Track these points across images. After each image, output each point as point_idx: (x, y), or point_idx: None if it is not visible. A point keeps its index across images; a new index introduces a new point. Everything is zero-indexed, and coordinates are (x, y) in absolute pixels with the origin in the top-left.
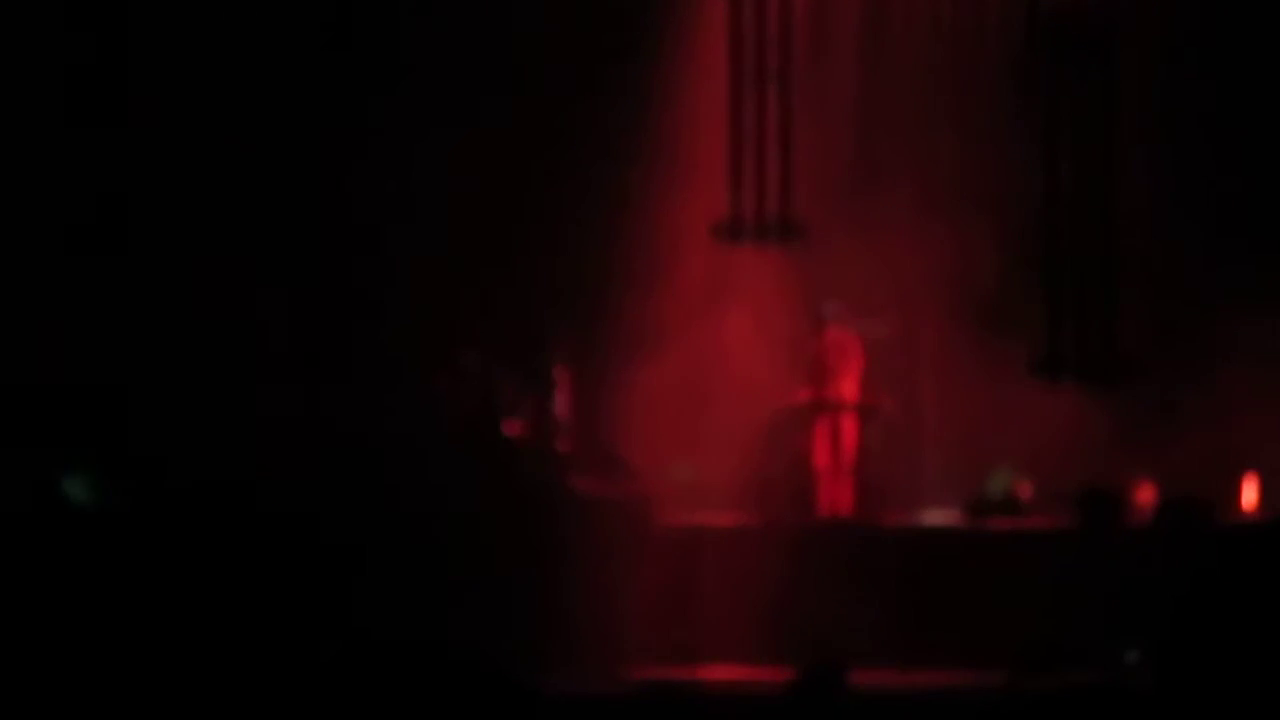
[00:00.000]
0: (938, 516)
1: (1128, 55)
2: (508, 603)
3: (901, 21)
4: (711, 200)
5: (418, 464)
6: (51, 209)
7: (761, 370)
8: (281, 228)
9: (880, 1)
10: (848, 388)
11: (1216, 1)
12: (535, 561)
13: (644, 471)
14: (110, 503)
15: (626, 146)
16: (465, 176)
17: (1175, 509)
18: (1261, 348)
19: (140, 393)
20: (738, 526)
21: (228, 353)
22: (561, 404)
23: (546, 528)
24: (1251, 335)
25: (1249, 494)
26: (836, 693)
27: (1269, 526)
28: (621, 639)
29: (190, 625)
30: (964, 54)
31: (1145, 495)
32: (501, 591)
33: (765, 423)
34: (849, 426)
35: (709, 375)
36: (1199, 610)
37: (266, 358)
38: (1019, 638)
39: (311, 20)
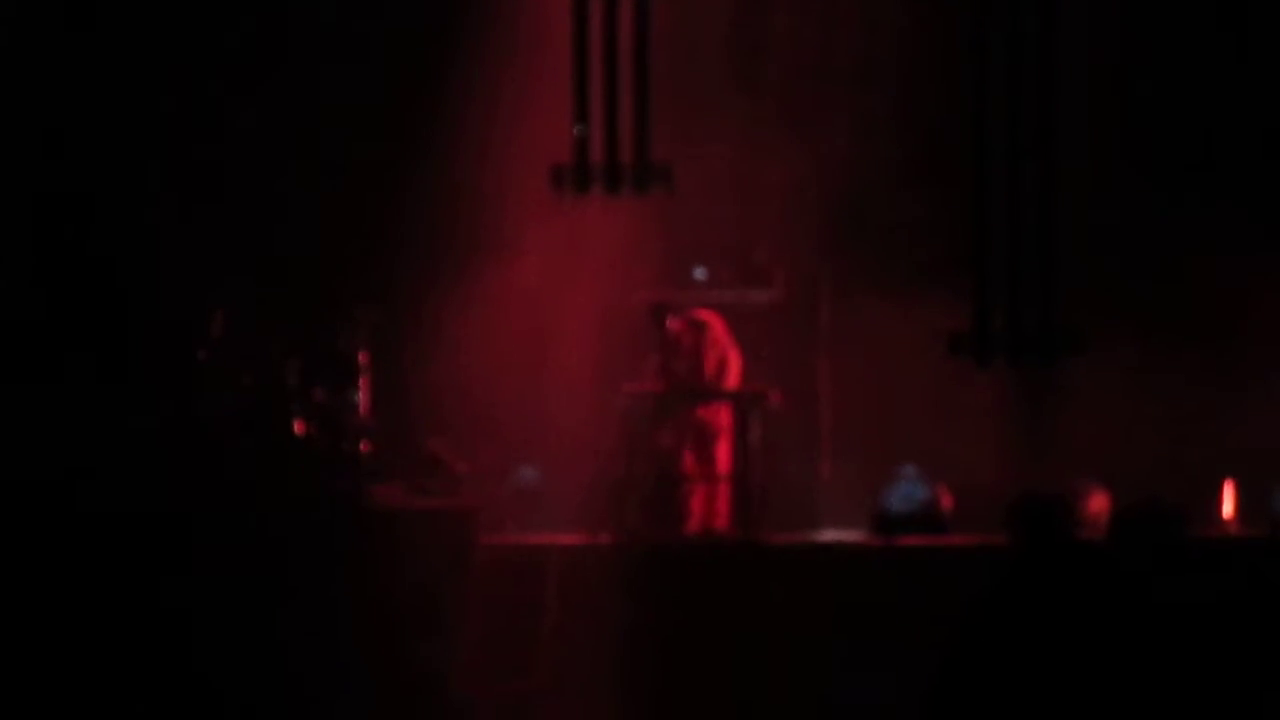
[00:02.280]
0: (837, 532)
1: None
2: (292, 640)
3: None
4: (553, 142)
5: (184, 464)
6: None
7: (615, 353)
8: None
9: None
10: (720, 373)
11: None
12: (327, 590)
13: (469, 479)
14: None
15: (448, 82)
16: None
17: (1135, 521)
18: (1231, 323)
19: None
20: (587, 545)
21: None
22: (363, 396)
23: (342, 548)
24: (1219, 308)
25: (1227, 504)
26: None
27: (1253, 544)
28: (438, 688)
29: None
30: None
31: (1096, 504)
32: (285, 627)
33: (618, 418)
34: (724, 421)
35: (550, 360)
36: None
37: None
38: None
39: None
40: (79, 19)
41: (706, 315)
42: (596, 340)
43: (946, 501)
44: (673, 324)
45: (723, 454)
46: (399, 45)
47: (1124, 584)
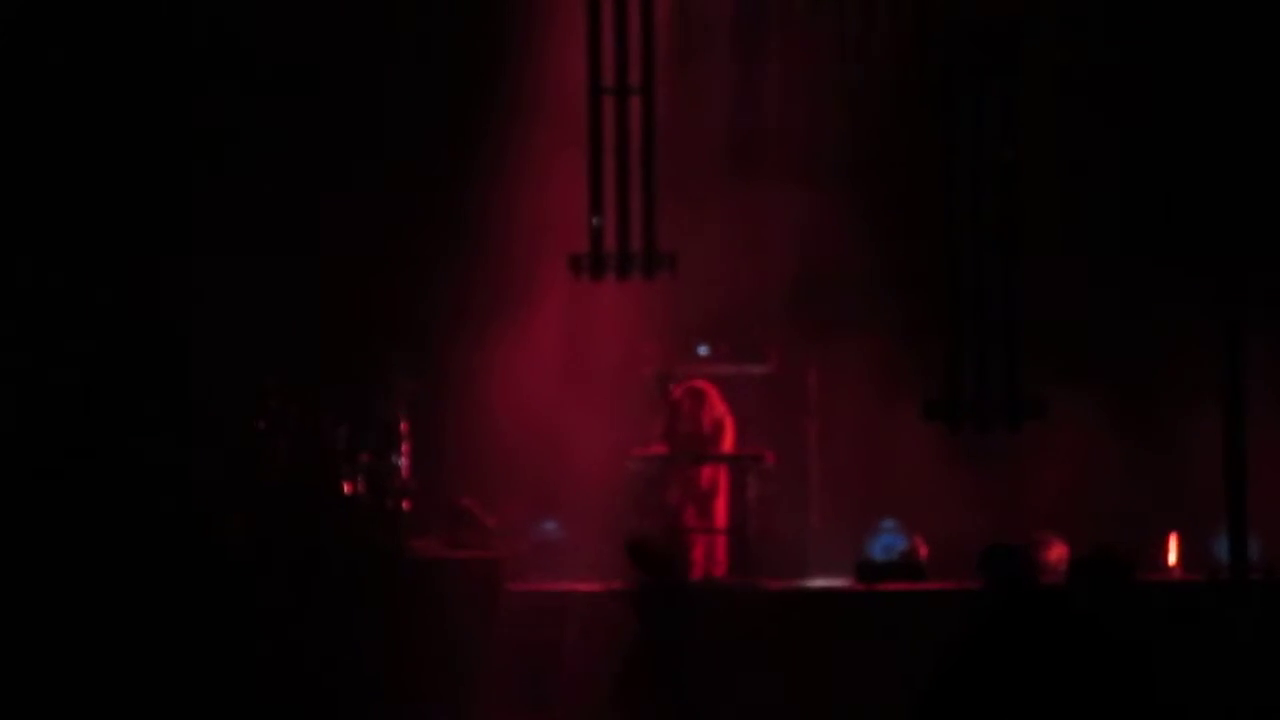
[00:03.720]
0: (825, 580)
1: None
2: (340, 679)
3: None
4: (569, 232)
5: (235, 521)
6: None
7: (624, 420)
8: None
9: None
10: (718, 436)
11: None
12: (371, 633)
13: (497, 532)
14: None
15: (474, 172)
16: (297, 203)
17: (1090, 568)
18: (1175, 391)
19: None
20: (603, 591)
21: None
22: (401, 458)
23: (384, 595)
24: (1167, 376)
25: (1171, 552)
26: None
27: (1195, 588)
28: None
29: None
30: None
31: (1055, 553)
32: (333, 666)
33: (628, 478)
34: (720, 480)
35: (566, 424)
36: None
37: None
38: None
39: None
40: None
41: (704, 385)
42: (609, 409)
43: (923, 551)
44: (675, 393)
45: (720, 509)
46: (429, 133)
47: (1081, 623)
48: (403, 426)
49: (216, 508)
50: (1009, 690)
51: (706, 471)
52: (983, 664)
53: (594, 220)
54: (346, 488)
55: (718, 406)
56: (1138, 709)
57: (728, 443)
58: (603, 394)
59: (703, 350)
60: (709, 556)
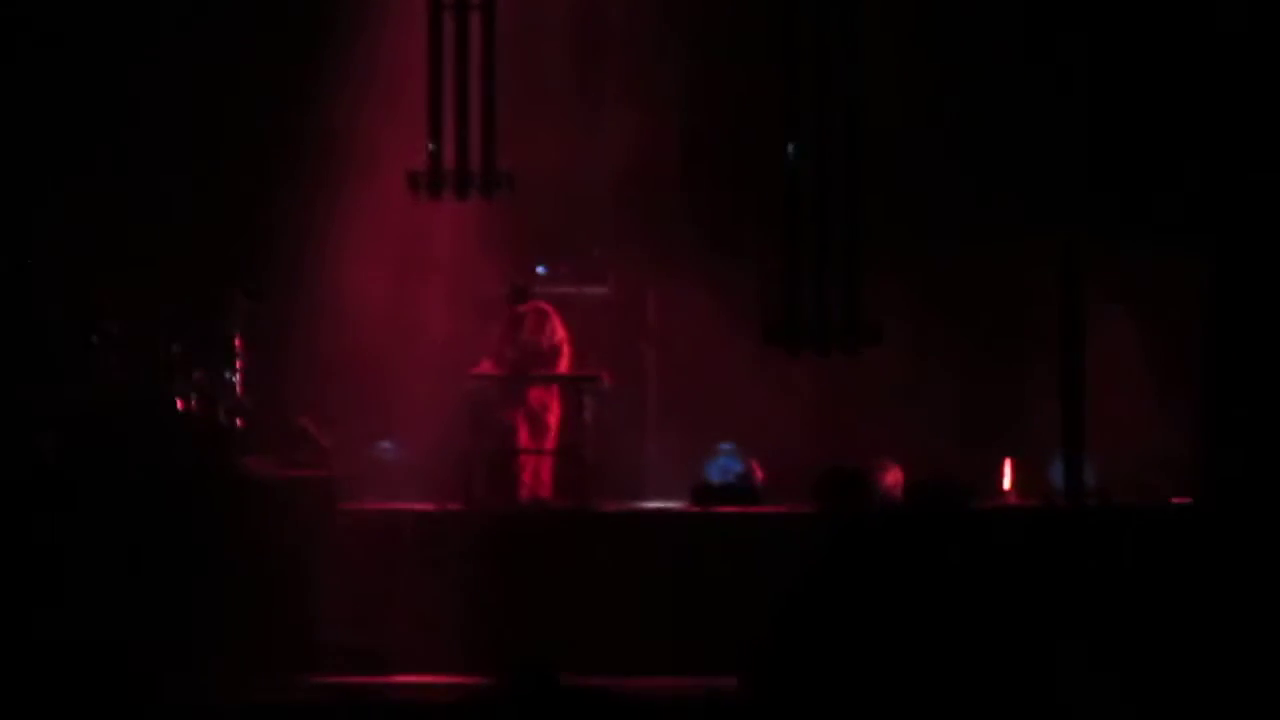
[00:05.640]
0: (660, 502)
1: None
2: (169, 599)
3: None
4: (410, 148)
5: (68, 442)
6: None
7: (461, 339)
8: None
9: None
10: (556, 358)
11: None
12: (203, 552)
13: (333, 451)
14: None
15: (316, 90)
16: (134, 111)
17: (926, 492)
18: (1011, 314)
19: None
20: (436, 512)
21: None
22: (236, 375)
23: (217, 514)
24: (1000, 299)
25: (1006, 478)
26: (544, 702)
27: (1029, 514)
28: (304, 639)
29: None
30: None
31: (891, 478)
32: (162, 586)
33: (463, 397)
34: (554, 401)
35: (404, 343)
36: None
37: None
38: (752, 638)
39: None
40: None
41: (546, 305)
42: (445, 328)
43: (760, 475)
44: (514, 313)
45: (554, 430)
46: (272, 52)
47: (920, 547)
48: (237, 343)
49: (36, 424)
50: (852, 616)
51: (542, 392)
52: (826, 591)
53: (430, 146)
54: (179, 404)
55: (560, 328)
56: (974, 635)
57: (564, 364)
58: (440, 313)
59: (541, 270)
60: (535, 477)
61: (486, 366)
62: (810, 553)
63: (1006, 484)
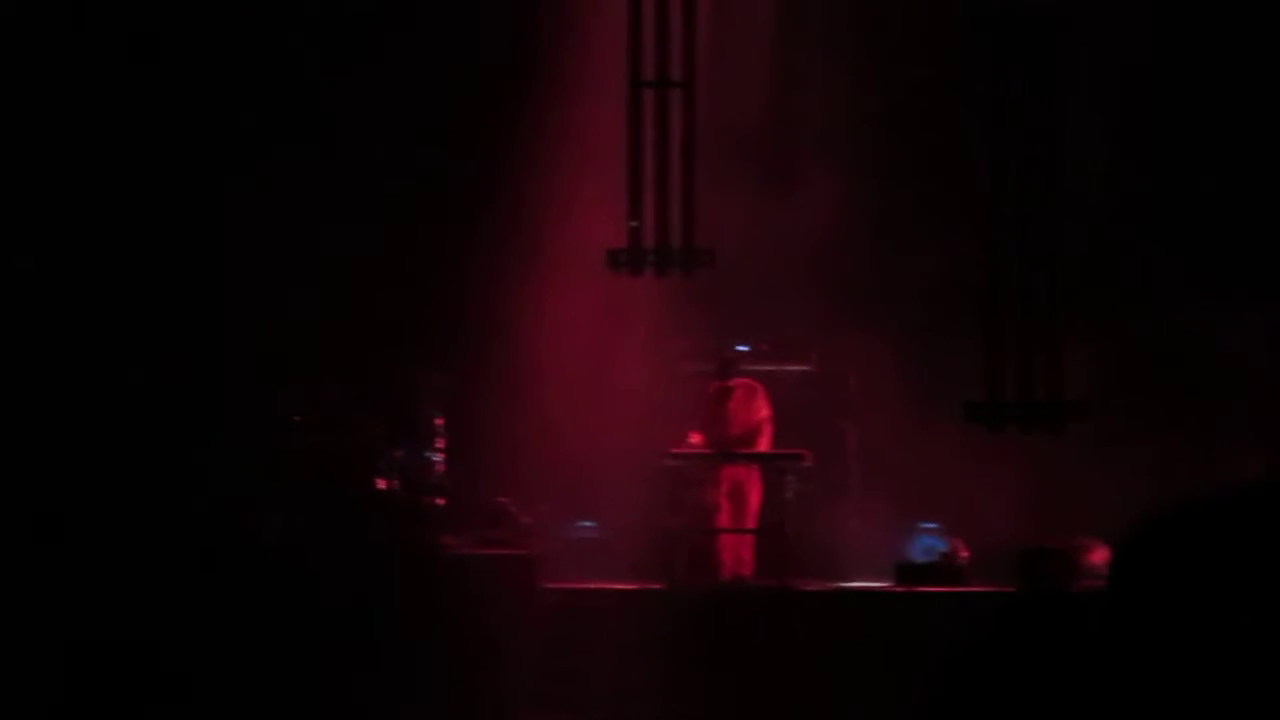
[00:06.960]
0: (863, 581)
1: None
2: (373, 674)
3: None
4: (607, 228)
5: (276, 519)
6: None
7: (658, 416)
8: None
9: None
10: (758, 436)
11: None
12: (404, 628)
13: (532, 529)
14: None
15: (512, 166)
16: (336, 209)
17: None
18: (1218, 388)
19: None
20: (637, 591)
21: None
22: (438, 455)
23: (418, 591)
24: (1209, 375)
25: None
26: None
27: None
28: (504, 716)
29: None
30: (895, 55)
31: (1097, 556)
32: (366, 661)
33: (663, 474)
34: (755, 479)
35: (601, 421)
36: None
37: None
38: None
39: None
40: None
41: (754, 382)
42: (644, 406)
43: (963, 554)
44: (721, 387)
45: (754, 509)
46: (465, 129)
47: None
48: (437, 423)
49: (250, 506)
50: (1055, 698)
51: (743, 470)
52: (1028, 670)
53: (632, 223)
54: (381, 484)
55: (765, 405)
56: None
57: (766, 442)
58: (637, 391)
59: (742, 348)
60: (737, 556)
61: (695, 438)
62: (1013, 632)
63: None
